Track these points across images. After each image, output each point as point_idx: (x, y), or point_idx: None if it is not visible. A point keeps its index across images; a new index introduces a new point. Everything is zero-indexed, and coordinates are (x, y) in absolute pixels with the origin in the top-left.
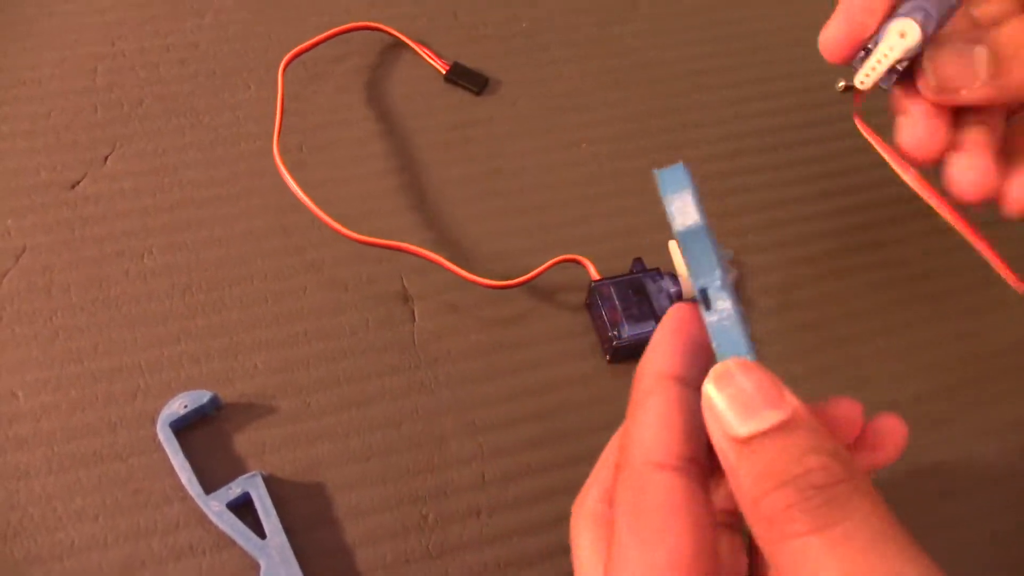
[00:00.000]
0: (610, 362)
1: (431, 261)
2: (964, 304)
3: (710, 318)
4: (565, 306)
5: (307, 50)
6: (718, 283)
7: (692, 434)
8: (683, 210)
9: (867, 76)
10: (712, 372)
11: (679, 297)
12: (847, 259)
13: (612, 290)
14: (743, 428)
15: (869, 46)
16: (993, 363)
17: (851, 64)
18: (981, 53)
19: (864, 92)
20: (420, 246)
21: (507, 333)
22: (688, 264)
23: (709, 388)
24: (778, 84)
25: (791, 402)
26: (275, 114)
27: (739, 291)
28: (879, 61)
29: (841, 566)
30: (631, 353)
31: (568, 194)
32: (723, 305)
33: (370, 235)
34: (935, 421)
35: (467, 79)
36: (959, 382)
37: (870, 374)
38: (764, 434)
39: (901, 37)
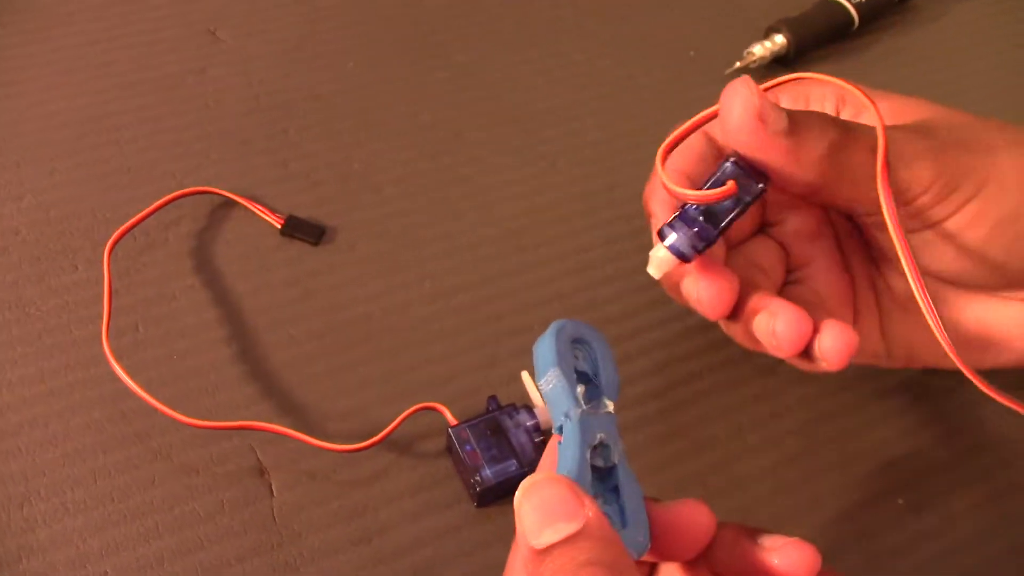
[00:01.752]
0: (478, 507)
1: (280, 434)
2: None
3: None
4: (425, 455)
5: (133, 226)
6: (559, 424)
7: None
8: (541, 371)
9: (656, 268)
10: (521, 485)
11: (536, 430)
12: (710, 378)
13: (470, 433)
14: (539, 540)
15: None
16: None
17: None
18: (783, 112)
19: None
20: (268, 416)
21: (370, 492)
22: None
23: (517, 498)
24: (609, 195)
25: (586, 514)
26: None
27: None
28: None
29: None
30: (497, 495)
31: (416, 335)
32: (564, 434)
33: (214, 411)
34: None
35: (303, 231)
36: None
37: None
38: (556, 545)
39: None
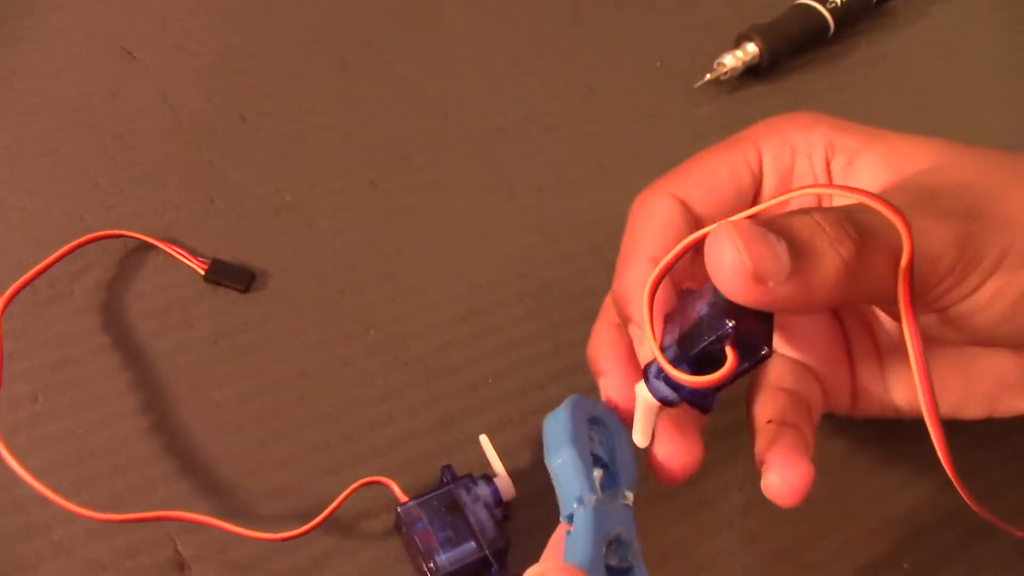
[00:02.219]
0: None
1: (202, 524)
2: None
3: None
4: (371, 535)
5: (33, 279)
6: (569, 512)
7: None
8: (553, 449)
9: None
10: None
11: (498, 503)
12: None
13: (422, 511)
14: None
15: None
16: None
17: None
18: (781, 245)
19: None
20: (188, 497)
21: None
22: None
23: None
24: (572, 224)
25: None
26: None
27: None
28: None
29: None
30: None
31: (359, 394)
32: (575, 523)
33: (125, 494)
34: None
35: (230, 276)
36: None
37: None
38: None
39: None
